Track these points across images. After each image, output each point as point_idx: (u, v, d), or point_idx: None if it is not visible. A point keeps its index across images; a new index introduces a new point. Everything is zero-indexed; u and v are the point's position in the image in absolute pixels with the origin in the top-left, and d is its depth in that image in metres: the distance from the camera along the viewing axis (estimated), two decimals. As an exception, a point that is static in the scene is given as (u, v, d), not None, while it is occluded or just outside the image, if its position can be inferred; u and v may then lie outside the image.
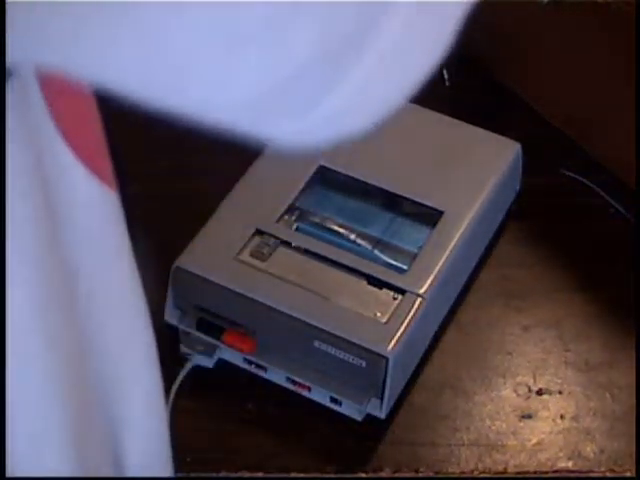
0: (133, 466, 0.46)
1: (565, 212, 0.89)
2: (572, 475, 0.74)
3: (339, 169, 0.83)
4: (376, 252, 0.79)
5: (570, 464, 0.75)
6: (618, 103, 0.87)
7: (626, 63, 0.83)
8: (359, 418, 0.75)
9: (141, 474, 0.46)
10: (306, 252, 0.78)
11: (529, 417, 0.77)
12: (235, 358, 0.77)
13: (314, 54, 0.28)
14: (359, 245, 0.79)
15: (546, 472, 0.74)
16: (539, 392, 0.78)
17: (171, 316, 0.78)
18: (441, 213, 0.80)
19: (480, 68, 0.99)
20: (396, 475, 0.74)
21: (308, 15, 0.27)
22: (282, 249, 0.78)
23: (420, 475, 0.74)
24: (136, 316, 0.44)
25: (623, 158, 0.88)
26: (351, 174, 0.83)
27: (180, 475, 0.73)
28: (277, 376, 0.76)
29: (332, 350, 0.73)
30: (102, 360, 0.42)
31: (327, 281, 0.76)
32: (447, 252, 0.78)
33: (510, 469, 0.74)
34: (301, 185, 0.82)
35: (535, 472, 0.74)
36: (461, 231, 0.79)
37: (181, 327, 0.78)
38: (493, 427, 0.76)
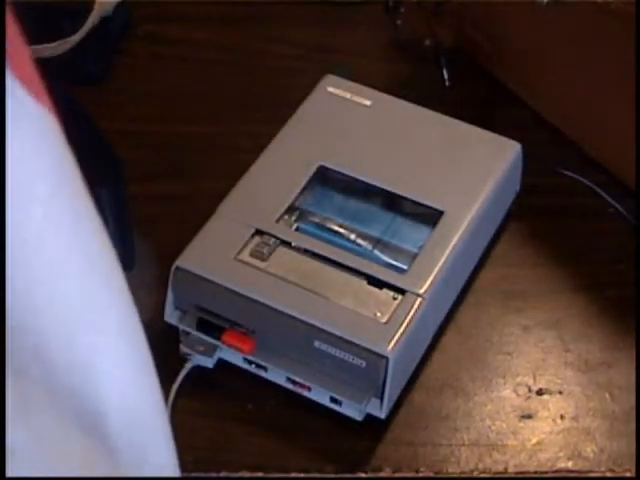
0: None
1: (565, 212, 0.89)
2: (572, 475, 0.74)
3: (339, 169, 0.83)
4: (376, 252, 0.79)
5: (570, 464, 0.75)
6: (618, 103, 0.87)
7: (626, 63, 0.83)
8: (359, 418, 0.75)
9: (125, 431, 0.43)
10: (306, 252, 0.78)
11: (529, 417, 0.77)
12: (235, 358, 0.77)
13: None
14: (359, 245, 0.79)
15: (546, 472, 0.74)
16: (539, 392, 0.78)
17: (171, 316, 0.79)
18: (441, 213, 0.80)
19: (480, 68, 0.99)
20: (396, 475, 0.74)
21: None
22: (282, 249, 0.78)
23: (420, 475, 0.74)
24: (91, 239, 0.39)
25: (623, 158, 0.88)
26: (351, 174, 0.83)
27: (180, 475, 0.73)
28: (277, 376, 0.76)
29: (332, 350, 0.73)
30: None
31: (327, 281, 0.76)
32: (447, 252, 0.78)
33: (510, 469, 0.74)
34: (301, 185, 0.82)
35: (535, 472, 0.74)
36: (461, 231, 0.79)
37: (181, 327, 0.78)
38: (493, 427, 0.76)
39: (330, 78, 0.90)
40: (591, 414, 0.77)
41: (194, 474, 0.74)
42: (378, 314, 0.74)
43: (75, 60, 0.98)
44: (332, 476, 0.74)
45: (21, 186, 0.35)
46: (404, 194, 0.81)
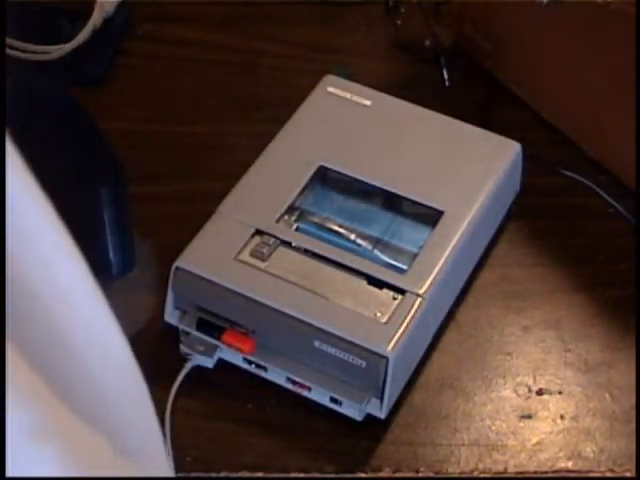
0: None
1: (565, 212, 0.89)
2: (572, 475, 0.74)
3: (339, 169, 0.83)
4: (376, 252, 0.79)
5: (570, 464, 0.75)
6: (618, 103, 0.87)
7: (626, 63, 0.83)
8: (359, 418, 0.75)
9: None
10: (306, 252, 0.78)
11: (529, 417, 0.77)
12: (235, 358, 0.77)
13: None
14: (359, 245, 0.79)
15: (546, 472, 0.74)
16: (539, 392, 0.78)
17: (171, 316, 0.79)
18: (441, 213, 0.80)
19: (480, 68, 0.99)
20: (396, 475, 0.74)
21: None
22: (282, 249, 0.78)
23: (420, 475, 0.74)
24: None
25: (623, 158, 0.88)
26: (351, 174, 0.83)
27: (180, 475, 0.73)
28: (277, 376, 0.76)
29: (332, 350, 0.73)
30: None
31: (327, 281, 0.76)
32: (447, 252, 0.78)
33: (510, 469, 0.74)
34: (301, 185, 0.82)
35: (535, 472, 0.74)
36: (461, 231, 0.79)
37: (181, 327, 0.78)
38: (493, 427, 0.76)
39: (330, 78, 0.90)
40: (591, 414, 0.77)
41: (194, 474, 0.74)
42: (378, 314, 0.74)
43: (76, 61, 0.98)
44: (332, 476, 0.74)
45: None
46: (404, 194, 0.81)
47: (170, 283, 0.77)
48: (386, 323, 0.73)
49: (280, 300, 0.74)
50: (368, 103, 0.88)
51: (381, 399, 0.74)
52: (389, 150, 0.85)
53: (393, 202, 0.82)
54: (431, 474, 0.74)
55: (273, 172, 0.83)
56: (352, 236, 0.80)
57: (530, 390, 0.78)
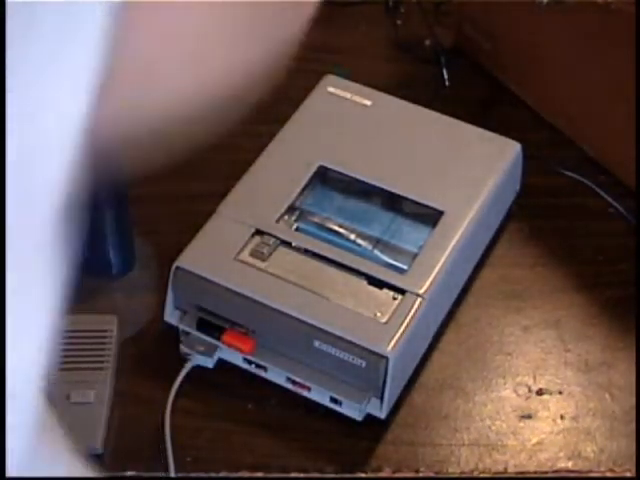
0: None
1: (565, 212, 0.89)
2: (572, 475, 0.74)
3: (339, 169, 0.83)
4: (376, 252, 0.79)
5: (570, 464, 0.75)
6: (618, 103, 0.87)
7: (626, 63, 0.83)
8: (359, 418, 0.75)
9: None
10: (306, 252, 0.78)
11: (529, 417, 0.77)
12: (235, 358, 0.77)
13: None
14: (359, 245, 0.79)
15: (546, 472, 0.74)
16: (539, 392, 0.78)
17: (171, 316, 0.79)
18: (441, 213, 0.80)
19: (480, 68, 0.99)
20: (396, 475, 0.74)
21: None
22: (282, 249, 0.78)
23: (420, 475, 0.74)
24: None
25: (623, 158, 0.88)
26: (351, 174, 0.83)
27: (180, 475, 0.73)
28: (277, 376, 0.76)
29: (332, 350, 0.73)
30: None
31: (327, 281, 0.76)
32: (447, 252, 0.78)
33: (510, 469, 0.74)
34: (301, 185, 0.82)
35: (535, 472, 0.74)
36: (461, 231, 0.79)
37: (181, 327, 0.78)
38: (493, 427, 0.76)
39: (330, 78, 0.90)
40: (591, 414, 0.77)
41: (194, 474, 0.74)
42: (378, 314, 0.74)
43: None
44: (332, 476, 0.74)
45: None
46: (404, 194, 0.81)
47: (170, 283, 0.77)
48: (386, 323, 0.73)
49: (280, 300, 0.74)
50: (368, 103, 0.88)
51: (381, 399, 0.74)
52: (389, 150, 0.85)
53: (393, 202, 0.82)
54: (431, 474, 0.74)
55: (273, 172, 0.83)
56: (352, 236, 0.80)
57: (530, 390, 0.78)
